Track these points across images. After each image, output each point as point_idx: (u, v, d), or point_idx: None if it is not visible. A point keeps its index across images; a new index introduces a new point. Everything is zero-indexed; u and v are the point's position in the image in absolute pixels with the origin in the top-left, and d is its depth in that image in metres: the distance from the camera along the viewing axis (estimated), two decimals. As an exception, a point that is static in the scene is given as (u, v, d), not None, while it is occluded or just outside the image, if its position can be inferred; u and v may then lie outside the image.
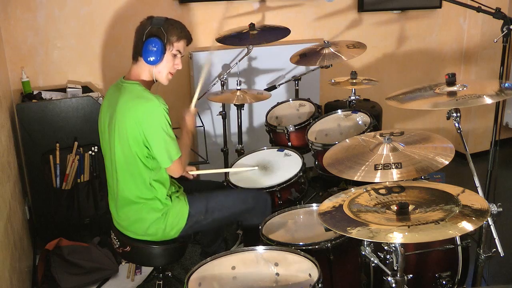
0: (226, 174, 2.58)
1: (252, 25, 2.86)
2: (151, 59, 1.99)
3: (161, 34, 1.99)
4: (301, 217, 2.23)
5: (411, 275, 1.58)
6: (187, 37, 2.10)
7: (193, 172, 2.38)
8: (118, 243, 2.17)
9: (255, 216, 2.21)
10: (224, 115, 3.00)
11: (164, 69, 2.06)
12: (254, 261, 1.84)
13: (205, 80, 2.29)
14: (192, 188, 2.37)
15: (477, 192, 1.65)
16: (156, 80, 2.11)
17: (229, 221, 2.28)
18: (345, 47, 2.83)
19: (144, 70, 2.06)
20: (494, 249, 1.68)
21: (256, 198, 2.25)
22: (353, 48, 2.81)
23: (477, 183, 1.71)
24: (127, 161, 2.01)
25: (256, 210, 2.22)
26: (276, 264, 1.83)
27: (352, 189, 1.68)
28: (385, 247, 1.56)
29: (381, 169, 1.64)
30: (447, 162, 1.62)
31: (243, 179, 2.51)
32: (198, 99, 2.32)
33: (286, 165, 2.56)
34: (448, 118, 1.79)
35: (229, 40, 2.87)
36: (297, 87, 3.16)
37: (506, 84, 1.82)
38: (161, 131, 1.95)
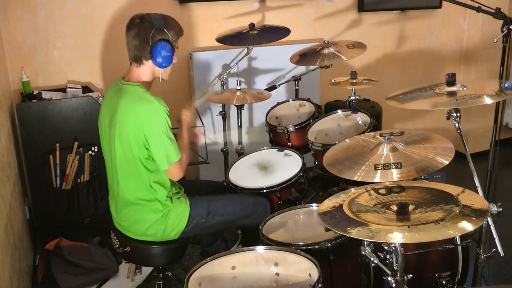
0: (227, 173, 2.58)
1: (252, 25, 2.85)
2: (165, 64, 2.01)
3: (167, 36, 2.00)
4: (301, 217, 2.23)
5: (411, 275, 1.58)
6: (182, 32, 2.11)
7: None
8: (118, 243, 2.17)
9: (255, 223, 2.21)
10: (224, 115, 3.00)
11: (169, 68, 2.08)
12: (254, 261, 1.84)
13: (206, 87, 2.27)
14: (193, 189, 2.37)
15: (477, 192, 1.65)
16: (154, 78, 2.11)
17: (228, 225, 2.30)
18: (345, 47, 2.83)
19: (147, 72, 2.06)
20: (494, 249, 1.67)
21: (256, 204, 2.26)
22: (353, 48, 2.81)
23: (477, 183, 1.71)
24: (127, 163, 2.01)
25: (255, 216, 2.22)
26: (276, 264, 1.83)
27: (352, 189, 1.68)
28: (385, 247, 1.56)
29: (381, 169, 1.64)
30: (447, 162, 1.62)
31: (243, 179, 2.50)
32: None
33: (286, 165, 2.56)
34: (448, 118, 1.79)
35: (229, 40, 2.86)
36: (297, 87, 3.16)
37: (506, 84, 1.82)
38: (161, 134, 1.95)
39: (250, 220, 2.24)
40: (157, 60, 1.99)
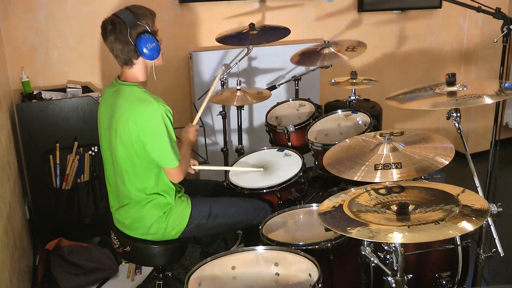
0: (227, 173, 2.58)
1: (252, 25, 2.86)
2: (156, 54, 2.00)
3: (143, 27, 1.96)
4: (301, 217, 2.23)
5: (411, 275, 1.58)
6: (154, 14, 2.05)
7: (196, 167, 2.37)
8: (118, 243, 2.17)
9: (255, 226, 2.21)
10: (224, 115, 3.00)
11: (160, 55, 2.06)
12: (254, 261, 1.84)
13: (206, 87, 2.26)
14: (193, 188, 2.37)
15: (477, 192, 1.65)
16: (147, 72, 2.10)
17: (228, 228, 2.30)
18: (345, 48, 2.83)
19: (141, 71, 2.05)
20: (494, 249, 1.68)
21: (258, 210, 2.26)
22: (352, 51, 2.81)
23: (477, 183, 1.71)
24: (132, 160, 2.00)
25: (256, 221, 2.22)
26: (276, 264, 1.83)
27: (352, 189, 1.69)
28: (385, 247, 1.56)
29: (381, 169, 1.64)
30: (447, 162, 1.62)
31: (243, 179, 2.50)
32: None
33: (286, 165, 2.56)
34: (448, 118, 1.79)
35: (229, 40, 2.87)
36: (297, 87, 3.16)
37: (506, 84, 1.82)
38: (161, 134, 1.94)
39: (250, 224, 2.25)
40: (146, 54, 1.97)
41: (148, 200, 2.06)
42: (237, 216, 2.22)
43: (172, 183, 2.13)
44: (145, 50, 1.96)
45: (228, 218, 2.20)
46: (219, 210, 2.18)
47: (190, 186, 2.36)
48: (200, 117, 2.48)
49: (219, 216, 2.18)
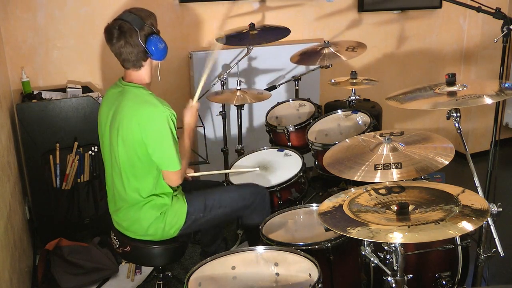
0: (227, 175, 2.58)
1: (252, 25, 2.86)
2: (165, 53, 2.01)
3: (150, 29, 1.97)
4: (301, 217, 2.23)
5: (411, 275, 1.58)
6: (154, 14, 2.06)
7: (192, 174, 2.37)
8: (118, 243, 2.17)
9: (254, 213, 2.20)
10: (224, 115, 3.00)
11: None
12: (254, 261, 1.84)
13: (206, 79, 2.24)
14: (191, 187, 2.37)
15: (477, 192, 1.65)
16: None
17: (228, 218, 2.28)
18: (345, 48, 2.83)
19: (147, 72, 2.05)
20: (494, 249, 1.68)
21: (254, 194, 2.25)
22: (352, 51, 2.81)
23: (477, 183, 1.71)
24: (132, 163, 2.00)
25: (254, 206, 2.21)
26: (276, 264, 1.83)
27: (352, 189, 1.69)
28: (385, 247, 1.56)
29: (381, 169, 1.64)
30: (447, 162, 1.62)
31: (243, 180, 2.50)
32: (200, 97, 2.25)
33: (286, 165, 2.56)
34: (448, 118, 1.79)
35: (229, 40, 2.87)
36: (297, 87, 3.16)
37: (506, 84, 1.82)
38: (164, 137, 1.94)
39: (249, 211, 2.23)
40: (156, 55, 1.98)
41: (145, 202, 2.06)
42: (233, 203, 2.20)
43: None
44: (155, 51, 1.97)
45: (224, 207, 2.18)
46: (214, 201, 2.17)
47: (190, 186, 2.35)
48: (200, 117, 2.47)
49: (215, 207, 2.16)
